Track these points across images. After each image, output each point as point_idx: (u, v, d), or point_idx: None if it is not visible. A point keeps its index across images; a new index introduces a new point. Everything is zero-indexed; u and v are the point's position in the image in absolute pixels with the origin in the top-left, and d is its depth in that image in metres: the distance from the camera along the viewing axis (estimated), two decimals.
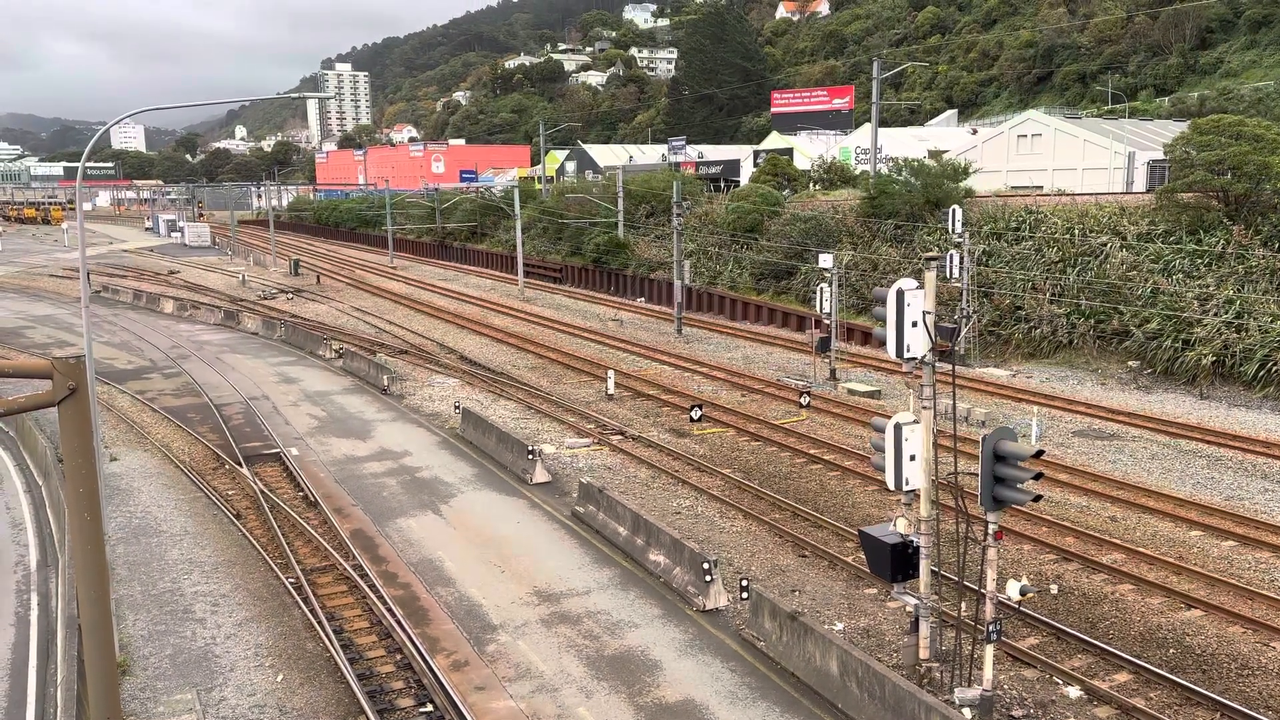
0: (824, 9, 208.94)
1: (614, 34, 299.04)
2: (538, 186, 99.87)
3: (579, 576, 21.12)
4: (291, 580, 20.83)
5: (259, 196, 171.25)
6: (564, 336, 51.08)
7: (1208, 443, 29.85)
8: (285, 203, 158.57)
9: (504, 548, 22.83)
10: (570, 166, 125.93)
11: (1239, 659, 17.25)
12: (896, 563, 15.91)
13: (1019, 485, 14.47)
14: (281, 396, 38.58)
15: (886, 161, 65.02)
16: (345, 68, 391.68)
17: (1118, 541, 22.10)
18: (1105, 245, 42.31)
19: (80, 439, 7.68)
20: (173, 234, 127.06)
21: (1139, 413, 33.24)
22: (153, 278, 79.31)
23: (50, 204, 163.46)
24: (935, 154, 64.97)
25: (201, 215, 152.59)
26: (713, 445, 31.01)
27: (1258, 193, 39.98)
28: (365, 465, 29.49)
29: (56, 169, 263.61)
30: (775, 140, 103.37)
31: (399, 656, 17.84)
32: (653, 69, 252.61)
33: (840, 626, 18.66)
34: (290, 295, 68.37)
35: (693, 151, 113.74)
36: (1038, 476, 14.47)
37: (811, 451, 29.74)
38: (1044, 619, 18.44)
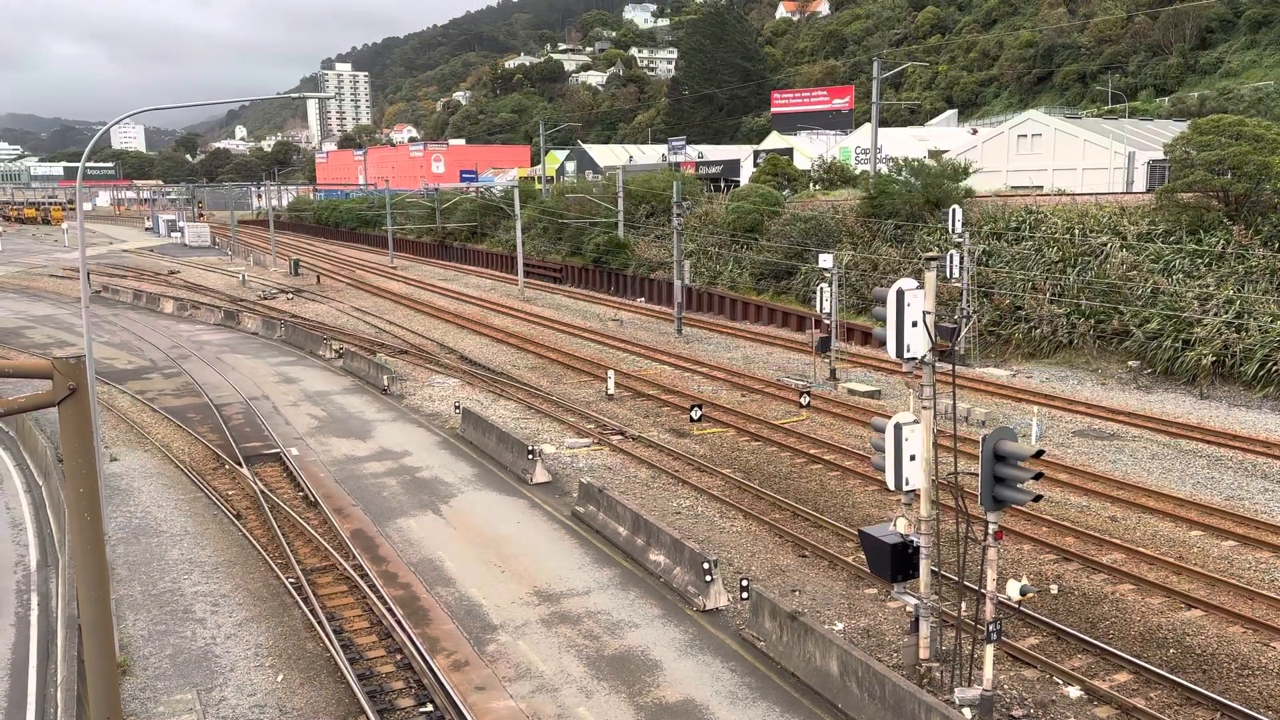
0: (824, 9, 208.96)
1: (614, 34, 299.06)
2: (538, 186, 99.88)
3: (579, 576, 21.12)
4: (291, 580, 20.83)
5: (259, 196, 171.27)
6: (564, 336, 51.08)
7: (1208, 443, 29.85)
8: (285, 203, 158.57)
9: (504, 548, 22.83)
10: (570, 166, 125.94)
11: (1239, 659, 17.25)
12: (896, 563, 15.91)
13: (1019, 485, 14.47)
14: (281, 396, 38.59)
15: (886, 161, 65.03)
16: (345, 68, 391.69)
17: (1118, 541, 22.10)
18: (1105, 245, 42.31)
19: (80, 439, 7.68)
20: (173, 234, 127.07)
21: (1139, 413, 33.24)
22: (153, 278, 79.31)
23: (50, 204, 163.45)
24: (935, 154, 64.98)
25: (201, 215, 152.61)
26: (713, 445, 31.01)
27: (1258, 193, 39.98)
28: (365, 465, 29.49)
29: (56, 169, 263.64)
30: (775, 140, 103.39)
31: (399, 656, 17.84)
32: (653, 69, 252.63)
33: (840, 626, 18.66)
34: (290, 295, 68.37)
35: (693, 151, 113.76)
36: (1038, 476, 14.47)
37: (811, 451, 29.74)
38: (1044, 619, 18.44)
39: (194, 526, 24.39)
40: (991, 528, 14.70)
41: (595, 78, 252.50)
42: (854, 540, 21.98)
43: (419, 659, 17.36)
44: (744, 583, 19.23)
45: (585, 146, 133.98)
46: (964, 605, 16.65)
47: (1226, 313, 36.45)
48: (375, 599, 19.76)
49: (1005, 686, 16.32)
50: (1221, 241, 39.75)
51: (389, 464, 29.59)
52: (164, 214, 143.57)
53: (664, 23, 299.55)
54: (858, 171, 75.27)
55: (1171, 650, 17.61)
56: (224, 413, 35.68)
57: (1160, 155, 53.22)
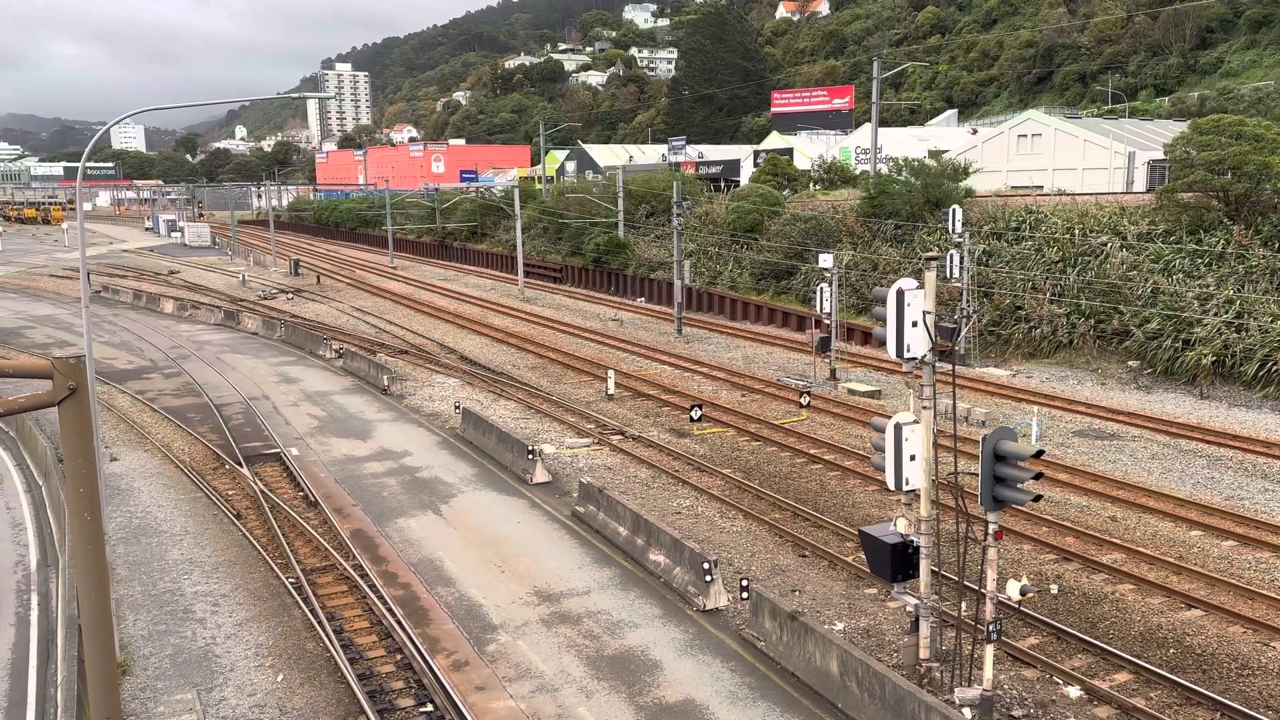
0: (824, 9, 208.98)
1: (614, 34, 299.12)
2: (538, 186, 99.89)
3: (579, 576, 21.12)
4: (292, 580, 20.83)
5: (259, 196, 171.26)
6: (564, 336, 51.08)
7: (1208, 443, 29.84)
8: (285, 203, 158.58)
9: (504, 547, 22.83)
10: (570, 166, 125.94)
11: (1239, 659, 17.25)
12: (896, 563, 15.92)
13: (1019, 485, 14.47)
14: (281, 396, 38.59)
15: (886, 161, 65.04)
16: (345, 68, 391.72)
17: (1118, 541, 22.10)
18: (1105, 245, 42.32)
19: (80, 439, 7.68)
20: (173, 234, 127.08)
21: (1139, 413, 33.24)
22: (153, 278, 79.32)
23: (50, 204, 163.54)
24: (935, 154, 64.99)
25: (201, 215, 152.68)
26: (713, 445, 31.01)
27: (1258, 193, 39.99)
28: (365, 465, 29.49)
29: (56, 169, 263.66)
30: (775, 140, 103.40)
31: (399, 656, 17.84)
32: (653, 69, 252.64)
33: (840, 626, 18.66)
34: (290, 295, 68.37)
35: (693, 151, 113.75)
36: (1038, 476, 14.47)
37: (812, 451, 29.74)
38: (1044, 619, 18.44)
39: (194, 526, 24.39)
40: (991, 528, 14.70)
41: (595, 78, 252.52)
42: (854, 540, 21.98)
43: (419, 659, 17.36)
44: (744, 583, 19.23)
45: (585, 146, 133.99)
46: (964, 605, 16.66)
47: (1226, 313, 36.45)
48: (375, 599, 19.76)
49: (1005, 686, 16.33)
50: (1221, 241, 39.76)
51: (389, 464, 29.60)
52: (164, 214, 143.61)
53: (664, 23, 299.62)
54: (858, 171, 75.29)
55: (1171, 650, 17.61)
56: (224, 413, 35.68)
57: (1160, 155, 53.24)
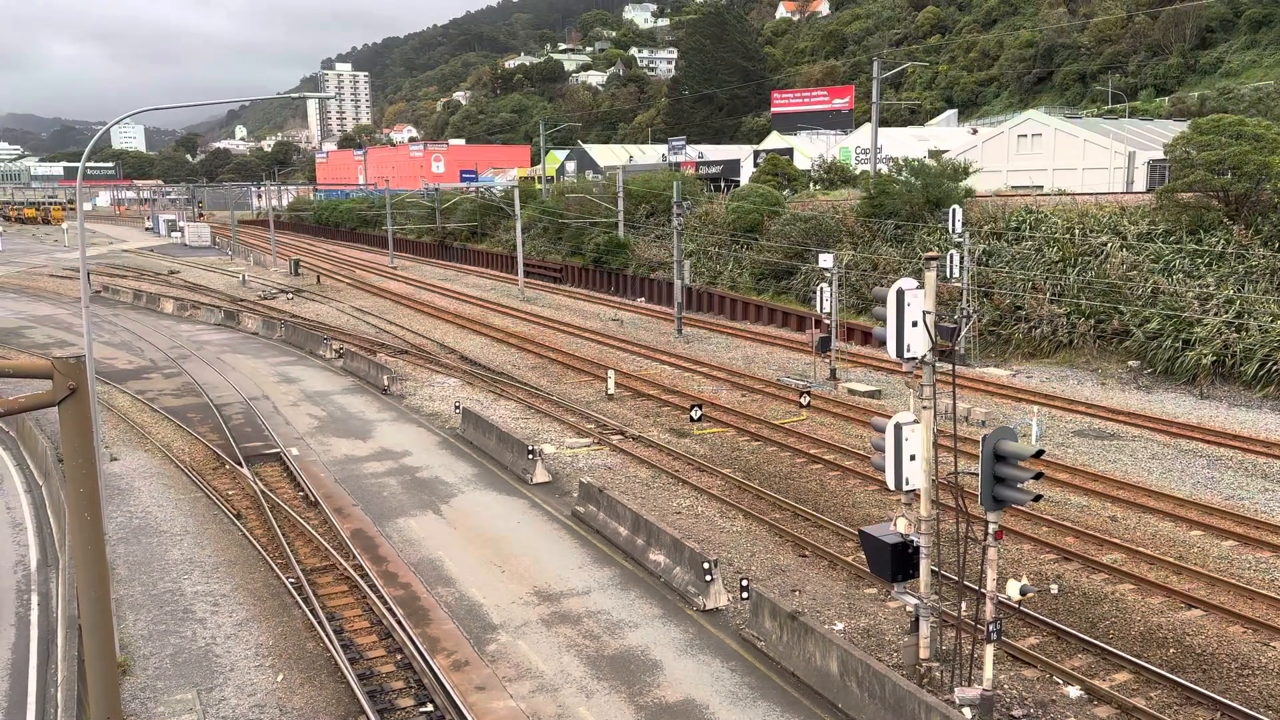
0: (824, 9, 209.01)
1: (614, 34, 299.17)
2: (538, 186, 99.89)
3: (579, 576, 21.12)
4: (292, 580, 20.83)
5: (259, 196, 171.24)
6: (564, 336, 51.08)
7: (1208, 443, 29.85)
8: (285, 203, 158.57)
9: (504, 547, 22.83)
10: (570, 166, 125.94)
11: (1239, 659, 17.25)
12: (897, 562, 15.92)
13: (1019, 485, 14.47)
14: (282, 396, 38.59)
15: (886, 161, 65.04)
16: (345, 68, 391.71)
17: (1118, 541, 22.11)
18: (1105, 245, 42.32)
19: (80, 439, 7.68)
20: (173, 234, 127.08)
21: (1139, 413, 33.24)
22: (153, 278, 79.32)
23: (50, 204, 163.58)
24: (935, 154, 65.00)
25: (201, 215, 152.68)
26: (713, 445, 31.01)
27: (1258, 192, 39.99)
28: (365, 465, 29.50)
29: (56, 169, 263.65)
30: (775, 140, 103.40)
31: (399, 656, 17.84)
32: (653, 69, 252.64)
33: (840, 626, 18.66)
34: (290, 295, 68.38)
35: (693, 151, 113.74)
36: (1038, 476, 14.47)
37: (812, 451, 29.74)
38: (1044, 619, 18.44)
39: (194, 526, 24.39)
40: (991, 527, 14.70)
41: (595, 78, 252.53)
42: (854, 540, 21.99)
43: (419, 659, 17.36)
44: (744, 582, 19.23)
45: (585, 146, 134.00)
46: (964, 605, 16.66)
47: (1226, 312, 36.45)
48: (375, 599, 19.76)
49: (1005, 686, 16.33)
50: (1221, 241, 39.76)
51: (389, 464, 29.60)
52: (164, 214, 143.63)
53: (664, 23, 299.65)
54: (858, 171, 75.32)
55: (1171, 650, 17.62)
56: (224, 413, 35.68)
57: (1160, 155, 53.25)
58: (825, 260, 41.47)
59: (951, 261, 40.00)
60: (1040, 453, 15.25)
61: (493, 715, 15.88)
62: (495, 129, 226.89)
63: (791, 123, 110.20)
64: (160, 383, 41.39)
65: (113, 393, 38.86)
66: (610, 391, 37.41)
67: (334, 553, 22.23)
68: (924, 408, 15.87)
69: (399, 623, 18.64)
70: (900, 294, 15.47)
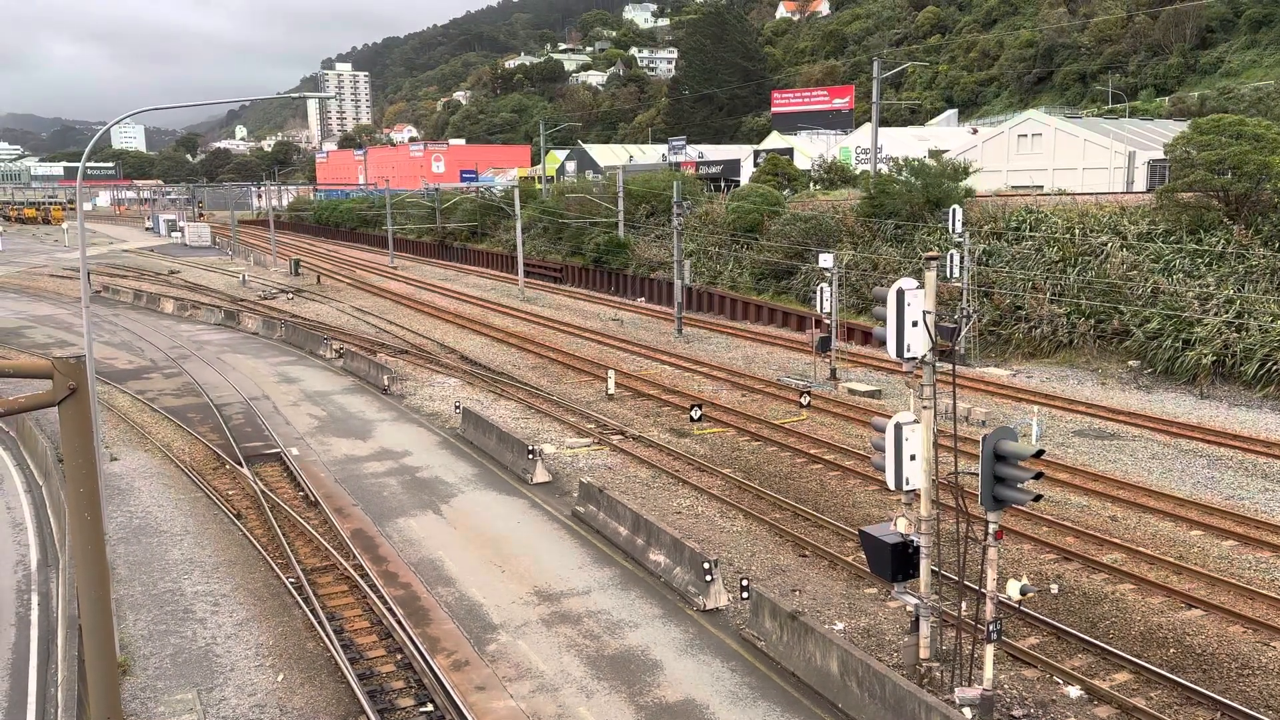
0: (824, 9, 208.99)
1: (614, 34, 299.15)
2: (538, 186, 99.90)
3: (579, 576, 21.12)
4: (292, 580, 20.84)
5: (259, 196, 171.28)
6: (564, 336, 51.08)
7: (1208, 442, 29.84)
8: (285, 203, 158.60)
9: (504, 547, 22.83)
10: (570, 166, 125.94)
11: (1239, 658, 17.25)
12: (897, 562, 15.91)
13: (1019, 485, 14.47)
14: (282, 396, 38.60)
15: (887, 161, 65.04)
16: (345, 68, 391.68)
17: (1118, 541, 22.11)
18: (1105, 245, 42.32)
19: (80, 439, 7.68)
20: (173, 234, 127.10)
21: (1139, 412, 33.24)
22: (153, 278, 79.33)
23: (50, 204, 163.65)
24: (935, 154, 65.02)
25: (202, 215, 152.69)
26: (713, 445, 31.01)
27: (1258, 192, 39.99)
28: (366, 465, 29.50)
29: (57, 169, 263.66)
30: (775, 140, 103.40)
31: (399, 656, 17.84)
32: (653, 69, 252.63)
33: (840, 626, 18.66)
34: (290, 295, 68.38)
35: (693, 151, 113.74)
36: (1038, 476, 14.47)
37: (812, 451, 29.74)
38: (1044, 619, 18.44)
39: (194, 526, 24.39)
40: (992, 527, 14.70)
41: (595, 78, 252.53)
42: (854, 540, 21.99)
43: (419, 659, 17.37)
44: (744, 582, 19.23)
45: (585, 146, 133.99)
46: (964, 605, 16.66)
47: (1226, 312, 36.45)
48: (375, 599, 19.76)
49: (1005, 686, 16.33)
50: (1221, 241, 39.76)
51: (389, 464, 29.60)
52: (164, 214, 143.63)
53: (664, 23, 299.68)
54: (858, 171, 75.32)
55: (1171, 650, 17.62)
56: (224, 412, 35.68)
57: (1160, 155, 53.25)
58: (825, 260, 41.48)
59: (951, 261, 40.00)
60: (1040, 453, 15.25)
61: (493, 715, 15.88)
62: (495, 129, 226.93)
63: (791, 123, 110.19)
64: (160, 383, 41.40)
65: (113, 393, 38.86)
66: (610, 391, 37.41)
67: (334, 552, 22.23)
68: (924, 408, 15.87)
69: (399, 623, 18.65)
70: (900, 294, 15.47)
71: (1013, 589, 14.69)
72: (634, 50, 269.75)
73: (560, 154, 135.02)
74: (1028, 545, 22.25)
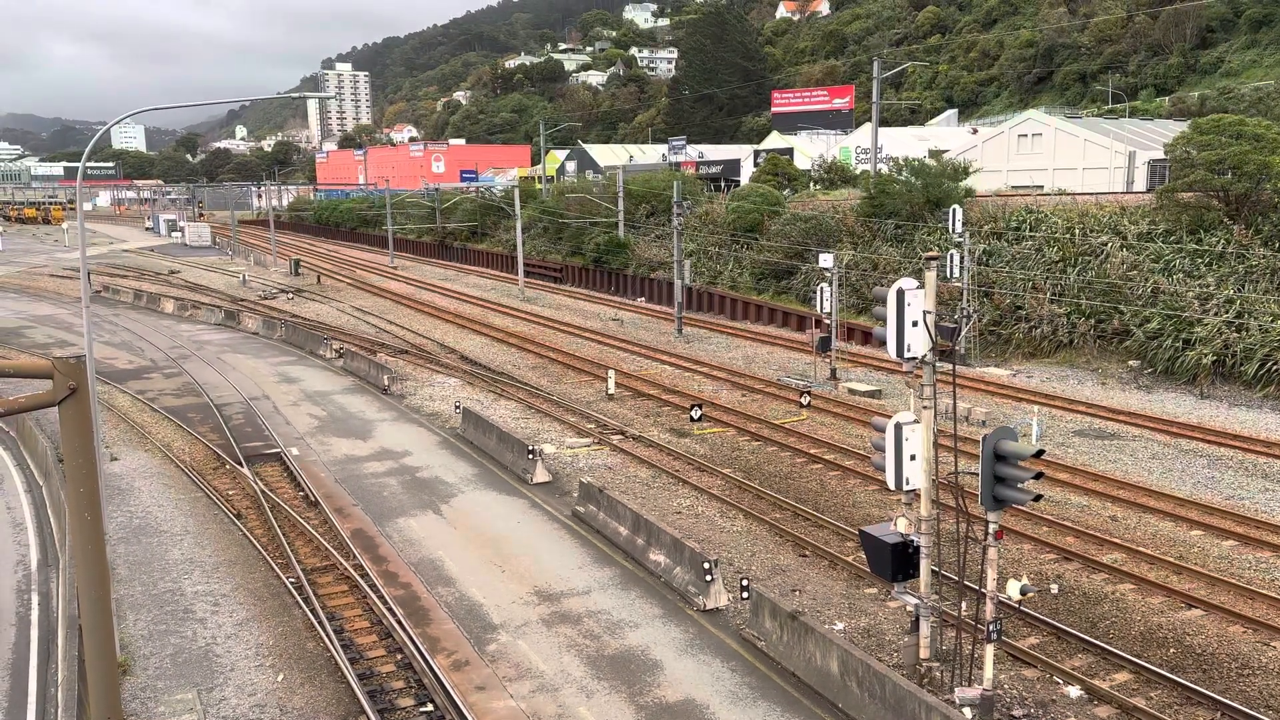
0: (824, 8, 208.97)
1: (614, 34, 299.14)
2: (538, 186, 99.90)
3: (579, 576, 21.12)
4: (292, 580, 20.84)
5: (259, 196, 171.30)
6: (564, 336, 51.08)
7: (1208, 442, 29.84)
8: (285, 203, 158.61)
9: (504, 547, 22.83)
10: (570, 166, 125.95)
11: (1239, 658, 17.25)
12: (897, 562, 15.91)
13: (1019, 485, 14.47)
14: (282, 396, 38.60)
15: (887, 161, 65.04)
16: (345, 68, 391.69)
17: (1118, 541, 22.10)
18: (1106, 245, 42.32)
19: (80, 439, 7.68)
20: (173, 234, 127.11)
21: (1139, 412, 33.24)
22: (153, 278, 79.33)
23: (51, 204, 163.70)
24: (935, 154, 65.03)
25: (202, 215, 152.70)
26: (713, 445, 31.01)
27: (1258, 192, 39.99)
28: (366, 465, 29.50)
29: (57, 169, 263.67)
30: (775, 140, 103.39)
31: (399, 656, 17.84)
32: (653, 69, 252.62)
33: (841, 626, 18.66)
34: (291, 295, 68.38)
35: (693, 151, 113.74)
36: (1038, 476, 14.47)
37: (812, 451, 29.74)
38: (1044, 618, 18.44)
39: (194, 526, 24.40)
40: (992, 527, 14.70)
41: (595, 78, 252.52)
42: (854, 540, 21.99)
43: (419, 659, 17.37)
44: (744, 582, 19.23)
45: (585, 146, 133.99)
46: (964, 605, 16.66)
47: (1227, 312, 36.45)
48: (376, 599, 19.76)
49: (1005, 686, 16.33)
50: (1221, 241, 39.76)
51: (389, 464, 29.60)
52: (164, 214, 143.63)
53: (664, 22, 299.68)
54: (858, 171, 75.32)
55: (1171, 650, 17.62)
56: (224, 412, 35.68)
57: (1160, 155, 53.25)
58: (825, 260, 41.48)
59: (951, 261, 40.00)
60: (1040, 452, 15.25)
61: (493, 715, 15.88)
62: (495, 129, 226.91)
63: (791, 122, 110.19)
64: (160, 382, 41.40)
65: (113, 392, 38.86)
66: (610, 391, 37.41)
67: (334, 552, 22.23)
68: (924, 407, 15.87)
69: (399, 623, 18.65)
70: (900, 294, 15.47)
71: (1013, 589, 14.69)
72: (634, 50, 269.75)
73: (560, 154, 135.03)
74: (1028, 545, 22.25)
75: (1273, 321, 35.38)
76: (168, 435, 33.00)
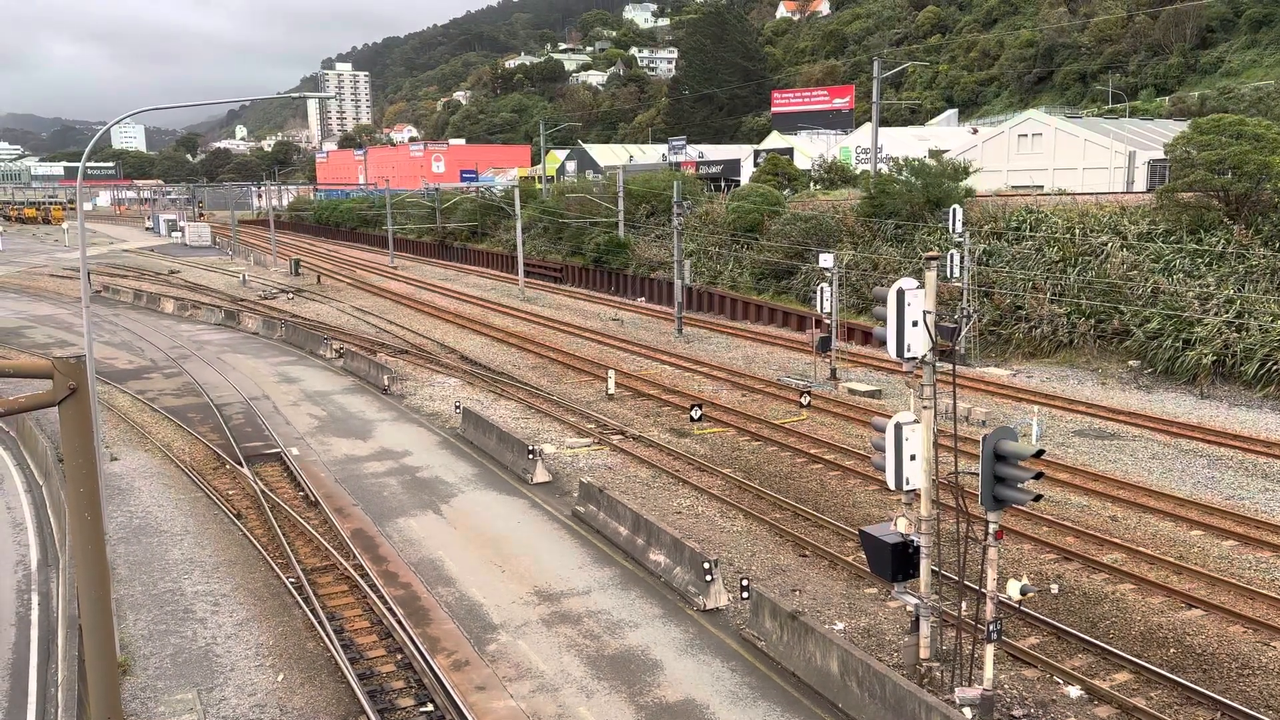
0: (824, 8, 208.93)
1: (614, 34, 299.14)
2: (538, 186, 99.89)
3: (579, 576, 21.12)
4: (292, 580, 20.84)
5: (259, 196, 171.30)
6: (564, 336, 51.09)
7: (1208, 442, 29.84)
8: (285, 203, 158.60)
9: (504, 547, 22.83)
10: (570, 166, 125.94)
11: (1239, 658, 17.25)
12: (897, 562, 15.91)
13: (1019, 485, 14.47)
14: (282, 396, 38.60)
15: (887, 161, 65.03)
16: (345, 68, 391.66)
17: (1118, 541, 22.10)
18: (1106, 245, 42.32)
19: (81, 439, 7.68)
20: (173, 234, 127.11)
21: (1139, 412, 33.24)
22: (153, 278, 79.33)
23: (51, 204, 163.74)
24: (936, 153, 65.02)
25: (202, 215, 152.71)
26: (713, 445, 31.01)
27: (1258, 192, 39.99)
28: (366, 465, 29.50)
29: (57, 169, 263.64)
30: (775, 140, 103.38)
31: (399, 656, 17.84)
32: (653, 69, 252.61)
33: (841, 626, 18.66)
34: (291, 295, 68.38)
35: (693, 151, 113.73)
36: (1038, 476, 14.47)
37: (812, 451, 29.74)
38: (1044, 618, 18.44)
39: (194, 526, 24.40)
40: (992, 527, 14.70)
41: (595, 78, 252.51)
42: (854, 540, 21.99)
43: (419, 659, 17.37)
44: (744, 582, 19.23)
45: (585, 146, 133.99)
46: (964, 605, 16.65)
47: (1227, 312, 36.45)
48: (376, 599, 19.76)
49: (1005, 686, 16.33)
50: (1222, 241, 39.76)
51: (389, 464, 29.60)
52: (164, 214, 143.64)
53: (664, 22, 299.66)
54: (858, 171, 75.32)
55: (1172, 650, 17.62)
56: (224, 412, 35.68)
57: (1161, 155, 53.24)
58: (825, 260, 41.48)
59: (952, 261, 40.00)
60: (1040, 452, 15.25)
61: (493, 715, 15.88)
62: (495, 129, 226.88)
63: (792, 122, 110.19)
64: (160, 382, 41.40)
65: (113, 392, 38.86)
66: (610, 391, 37.41)
67: (334, 552, 22.23)
68: (924, 407, 15.87)
69: (399, 622, 18.65)
70: (900, 294, 15.47)
71: (1013, 589, 14.69)
72: (634, 50, 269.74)
73: (560, 154, 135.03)
74: (1028, 545, 22.25)
75: (1273, 321, 35.38)
76: (168, 435, 33.00)
